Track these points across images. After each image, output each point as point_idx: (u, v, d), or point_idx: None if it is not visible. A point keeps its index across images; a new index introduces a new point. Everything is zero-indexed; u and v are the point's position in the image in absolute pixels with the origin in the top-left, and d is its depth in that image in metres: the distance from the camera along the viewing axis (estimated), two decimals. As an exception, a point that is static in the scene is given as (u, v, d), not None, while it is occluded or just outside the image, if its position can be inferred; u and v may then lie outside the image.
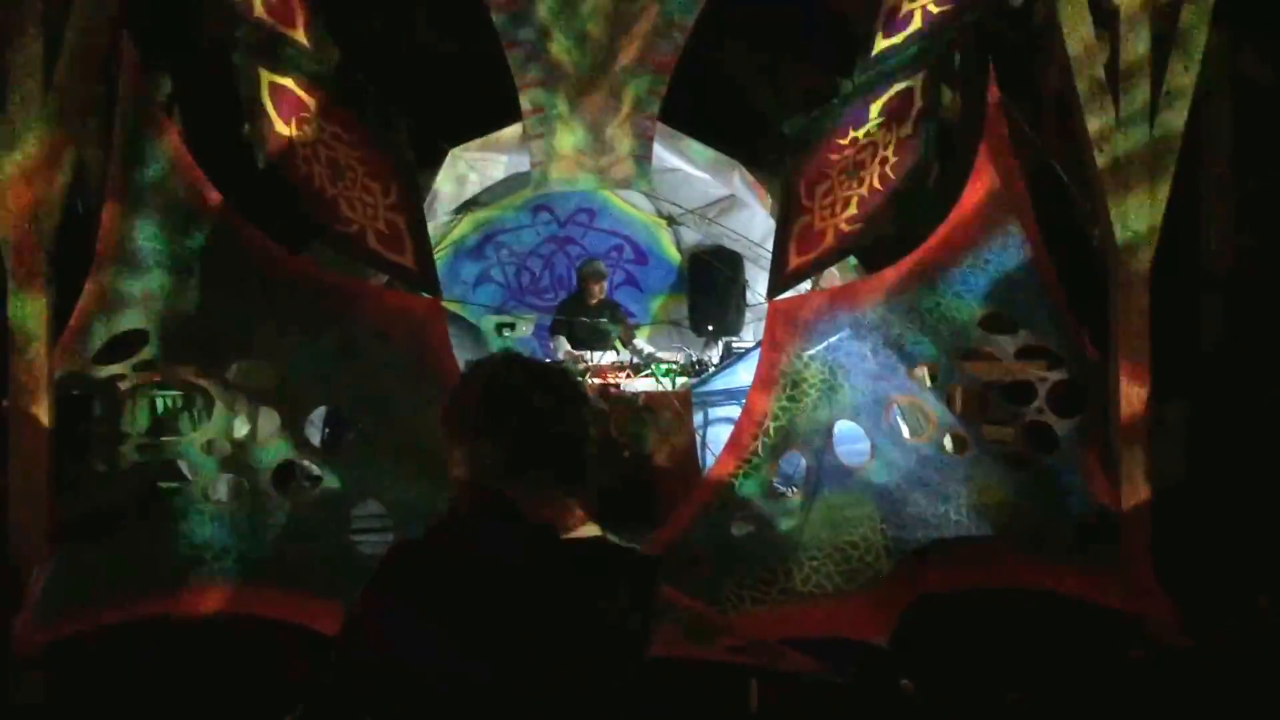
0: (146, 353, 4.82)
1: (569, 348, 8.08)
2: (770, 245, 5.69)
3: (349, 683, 1.93)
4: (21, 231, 4.63)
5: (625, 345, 8.22)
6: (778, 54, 8.07)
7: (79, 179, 4.90)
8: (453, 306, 7.50)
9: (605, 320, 8.41)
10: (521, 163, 6.79)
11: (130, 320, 4.79)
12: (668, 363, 7.78)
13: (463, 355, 6.45)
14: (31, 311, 4.65)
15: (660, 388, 7.40)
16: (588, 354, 7.89)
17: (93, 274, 4.76)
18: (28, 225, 4.63)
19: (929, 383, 5.54)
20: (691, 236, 9.92)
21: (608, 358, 7.83)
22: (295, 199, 5.05)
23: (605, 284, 8.69)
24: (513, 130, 6.81)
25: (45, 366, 4.65)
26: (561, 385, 2.12)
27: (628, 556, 2.11)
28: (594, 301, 8.53)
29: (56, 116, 4.63)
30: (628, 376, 7.49)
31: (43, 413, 4.63)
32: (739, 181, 8.02)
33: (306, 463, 5.26)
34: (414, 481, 4.93)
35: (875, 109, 5.29)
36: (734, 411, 6.45)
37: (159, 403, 5.89)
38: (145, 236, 4.82)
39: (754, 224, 8.77)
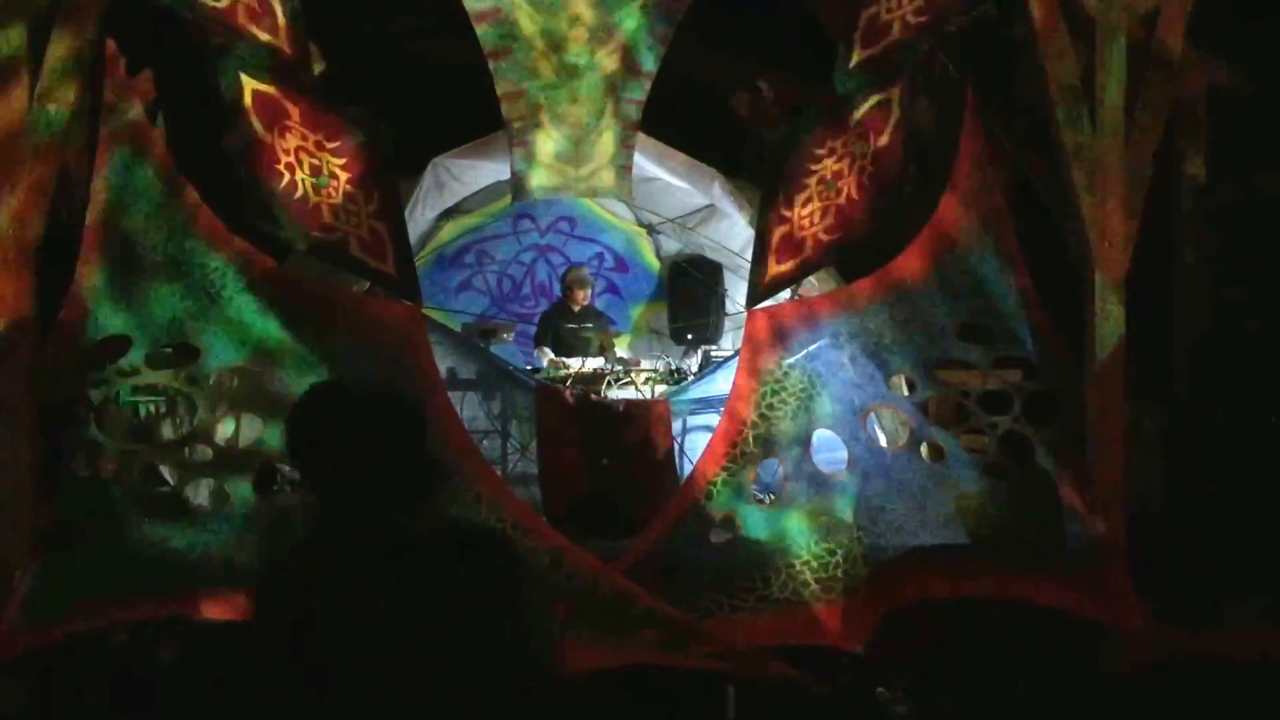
0: (129, 358, 4.82)
1: (552, 356, 8.09)
2: (749, 254, 5.72)
3: None
4: (5, 238, 4.61)
5: (606, 352, 8.23)
6: (758, 64, 8.12)
7: (63, 185, 4.90)
8: (434, 314, 7.51)
9: (590, 327, 8.41)
10: (503, 171, 6.81)
11: (113, 326, 4.80)
12: (646, 371, 7.81)
13: (443, 362, 6.49)
14: (14, 317, 4.62)
15: (640, 396, 7.43)
16: (572, 361, 7.90)
17: (76, 280, 4.76)
18: (12, 231, 4.61)
19: (906, 392, 5.58)
20: (672, 245, 9.96)
21: (591, 364, 7.84)
22: (277, 205, 5.06)
23: (589, 290, 8.69)
24: (494, 138, 6.83)
25: (27, 372, 4.63)
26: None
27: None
28: (578, 308, 8.54)
29: (41, 123, 4.63)
30: (607, 385, 7.52)
31: (25, 418, 4.61)
32: (719, 191, 8.07)
33: (287, 468, 5.25)
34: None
35: (854, 119, 5.33)
36: (712, 419, 6.50)
37: (141, 408, 5.88)
38: (128, 243, 4.83)
39: (734, 233, 8.82)
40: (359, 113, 5.19)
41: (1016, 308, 5.23)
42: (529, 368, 7.96)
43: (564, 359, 7.95)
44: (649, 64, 6.13)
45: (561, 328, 8.37)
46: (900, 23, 5.25)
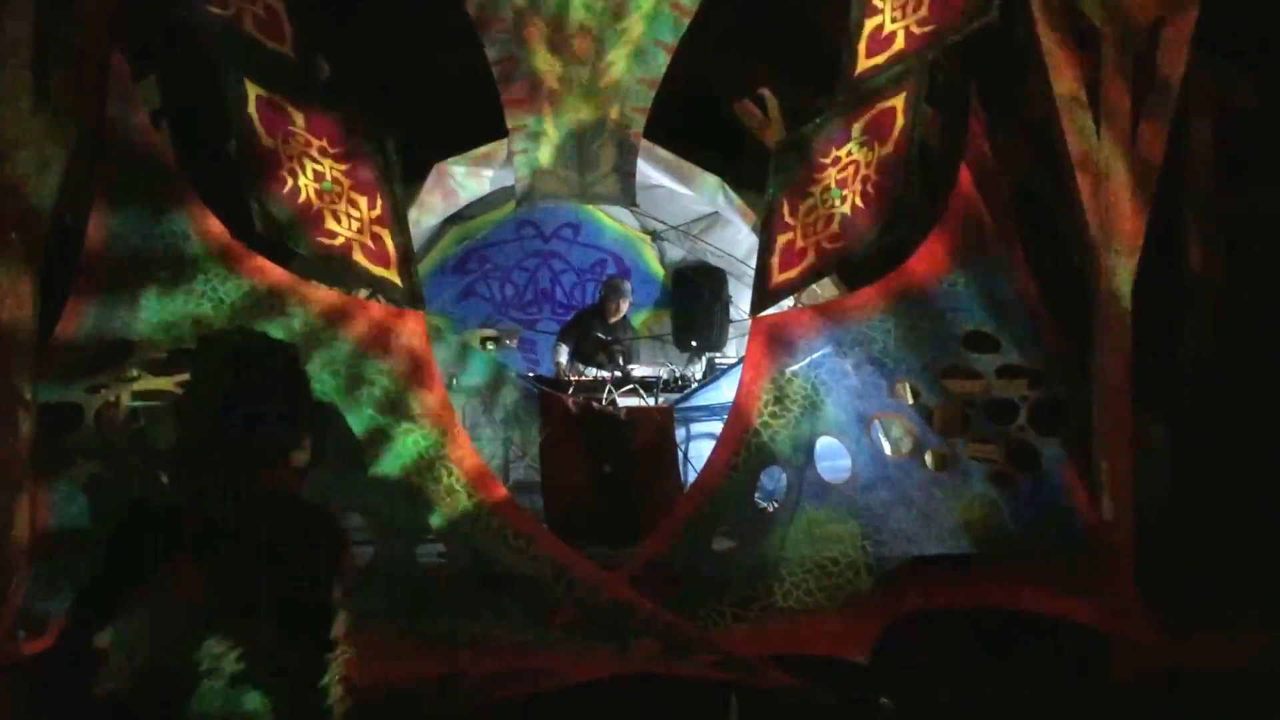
0: (129, 363, 4.82)
1: (562, 360, 8.06)
2: (753, 262, 5.72)
3: None
4: (8, 241, 4.61)
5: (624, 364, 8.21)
6: (762, 71, 8.11)
7: (67, 191, 4.90)
8: (436, 320, 7.50)
9: (617, 343, 8.36)
10: (507, 178, 6.81)
11: (113, 330, 4.80)
12: (649, 378, 7.78)
13: (445, 369, 6.48)
14: (16, 321, 4.62)
15: (643, 403, 7.42)
16: (588, 369, 7.87)
17: (78, 285, 4.77)
18: (15, 235, 4.61)
19: (911, 400, 5.56)
20: (675, 252, 9.97)
21: (602, 374, 7.82)
22: (280, 211, 5.06)
23: (628, 303, 8.62)
24: (498, 145, 6.83)
25: (28, 375, 4.63)
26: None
27: None
28: (614, 320, 8.48)
29: (47, 129, 4.64)
30: (609, 392, 7.51)
31: (25, 420, 4.61)
32: (722, 198, 8.06)
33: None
34: (393, 494, 4.95)
35: (857, 128, 5.33)
36: (716, 427, 6.50)
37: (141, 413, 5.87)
38: (130, 248, 4.84)
39: (737, 240, 8.82)
40: (363, 119, 5.19)
41: (1021, 316, 5.23)
42: (531, 374, 7.94)
43: (579, 364, 7.92)
44: (653, 71, 6.14)
45: (592, 334, 8.32)
46: (904, 33, 5.25)
